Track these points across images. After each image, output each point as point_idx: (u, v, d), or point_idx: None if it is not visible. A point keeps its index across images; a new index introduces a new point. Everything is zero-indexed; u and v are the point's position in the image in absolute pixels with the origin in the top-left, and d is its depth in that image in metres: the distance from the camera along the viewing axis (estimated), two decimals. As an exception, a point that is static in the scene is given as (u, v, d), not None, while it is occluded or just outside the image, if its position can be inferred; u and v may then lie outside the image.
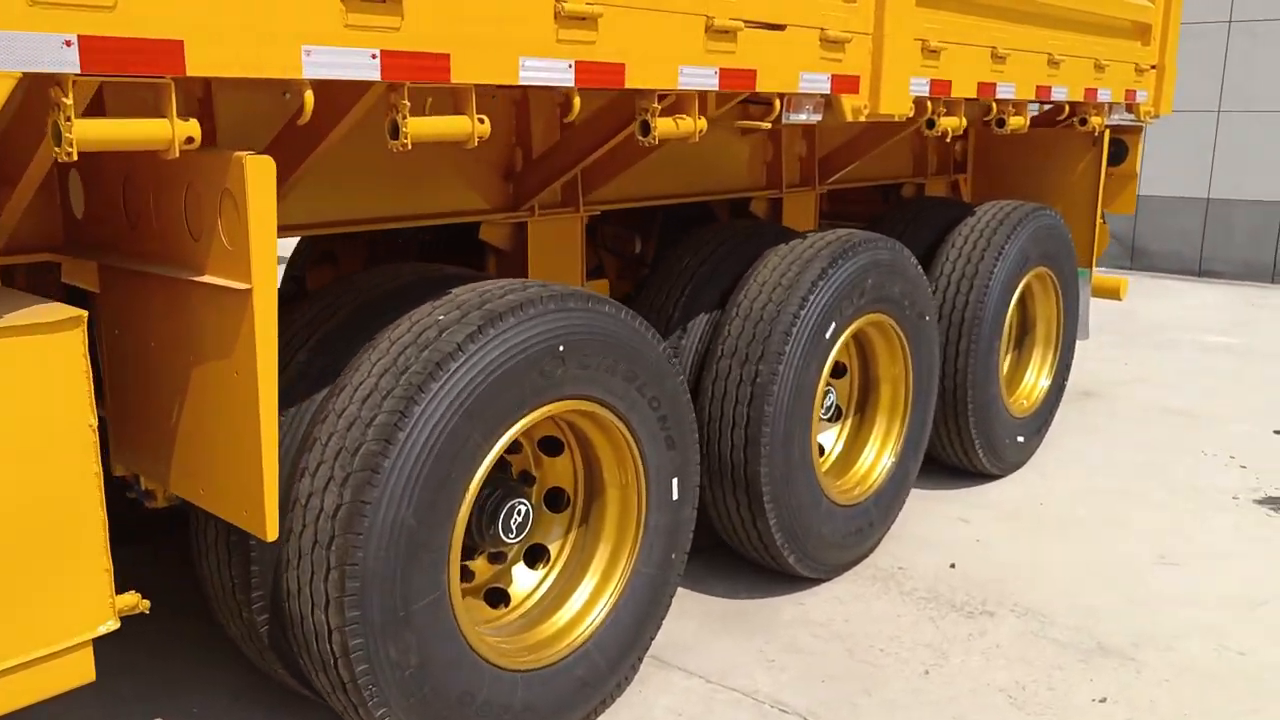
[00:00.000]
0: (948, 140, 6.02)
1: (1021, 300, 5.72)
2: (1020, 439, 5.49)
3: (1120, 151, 6.37)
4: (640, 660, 3.49)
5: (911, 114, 4.07)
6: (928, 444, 4.85)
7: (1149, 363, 8.04)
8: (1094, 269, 6.15)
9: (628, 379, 3.09)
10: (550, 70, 2.65)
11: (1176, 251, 12.34)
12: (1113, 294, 6.52)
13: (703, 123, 3.21)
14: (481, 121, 2.55)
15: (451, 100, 2.55)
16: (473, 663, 2.83)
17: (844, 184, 5.61)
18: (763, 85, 3.34)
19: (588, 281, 4.05)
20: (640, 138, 3.10)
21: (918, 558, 4.56)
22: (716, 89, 3.18)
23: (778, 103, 3.50)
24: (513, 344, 2.72)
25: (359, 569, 2.51)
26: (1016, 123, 4.91)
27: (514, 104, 3.60)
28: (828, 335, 3.95)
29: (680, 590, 4.20)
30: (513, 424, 2.79)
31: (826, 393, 4.29)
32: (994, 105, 4.71)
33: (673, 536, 3.42)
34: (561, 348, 2.84)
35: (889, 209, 5.62)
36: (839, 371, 4.60)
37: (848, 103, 3.78)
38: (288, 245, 4.62)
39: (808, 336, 3.86)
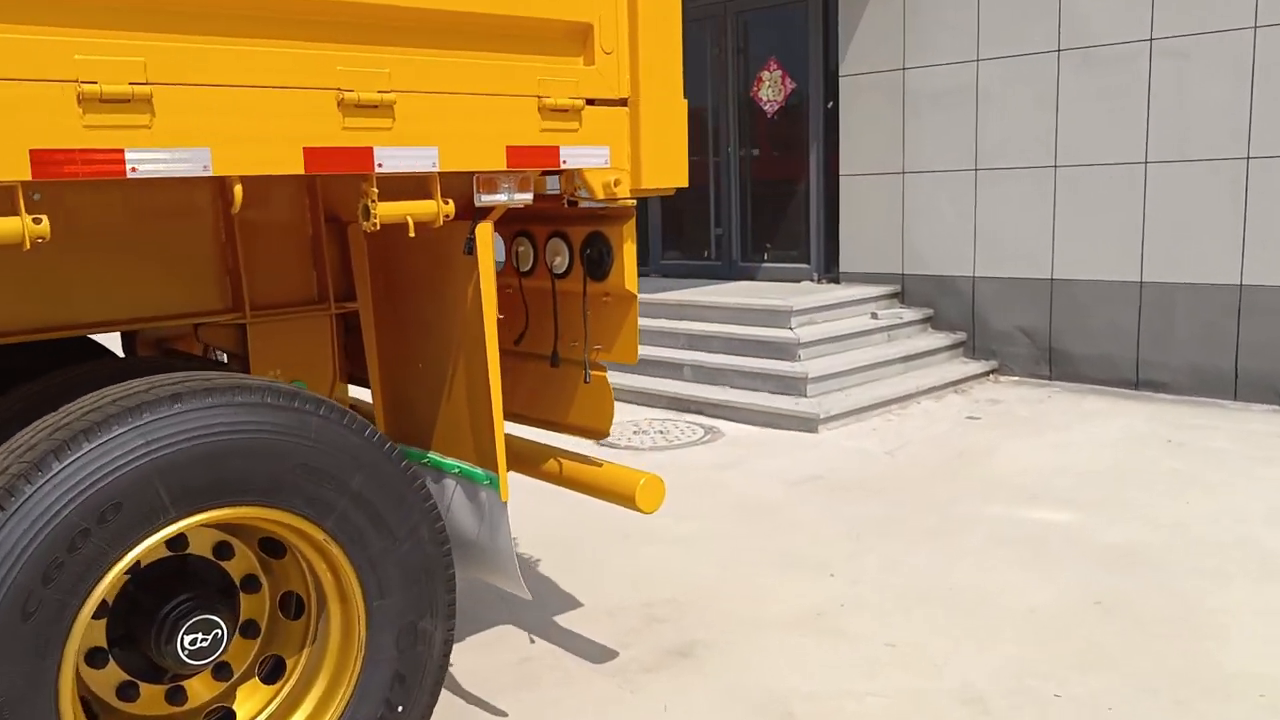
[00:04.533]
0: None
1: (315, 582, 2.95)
2: None
3: (599, 255, 3.53)
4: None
5: None
6: None
7: (890, 571, 4.99)
8: (503, 472, 3.29)
9: None
10: None
11: (1107, 355, 9.05)
12: (625, 502, 3.62)
13: None
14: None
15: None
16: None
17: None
18: None
19: None
20: None
21: None
22: None
23: None
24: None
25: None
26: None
27: None
28: None
29: None
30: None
31: None
32: None
33: None
34: None
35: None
36: None
37: None
38: None
39: None
